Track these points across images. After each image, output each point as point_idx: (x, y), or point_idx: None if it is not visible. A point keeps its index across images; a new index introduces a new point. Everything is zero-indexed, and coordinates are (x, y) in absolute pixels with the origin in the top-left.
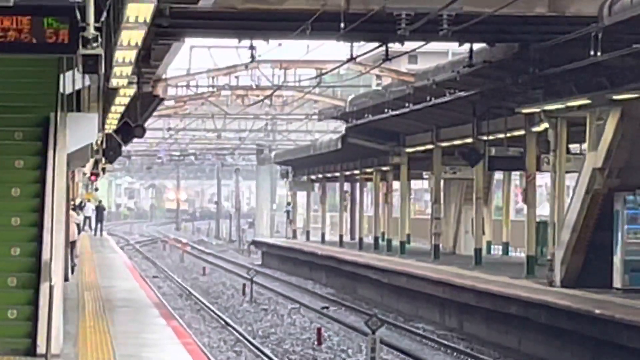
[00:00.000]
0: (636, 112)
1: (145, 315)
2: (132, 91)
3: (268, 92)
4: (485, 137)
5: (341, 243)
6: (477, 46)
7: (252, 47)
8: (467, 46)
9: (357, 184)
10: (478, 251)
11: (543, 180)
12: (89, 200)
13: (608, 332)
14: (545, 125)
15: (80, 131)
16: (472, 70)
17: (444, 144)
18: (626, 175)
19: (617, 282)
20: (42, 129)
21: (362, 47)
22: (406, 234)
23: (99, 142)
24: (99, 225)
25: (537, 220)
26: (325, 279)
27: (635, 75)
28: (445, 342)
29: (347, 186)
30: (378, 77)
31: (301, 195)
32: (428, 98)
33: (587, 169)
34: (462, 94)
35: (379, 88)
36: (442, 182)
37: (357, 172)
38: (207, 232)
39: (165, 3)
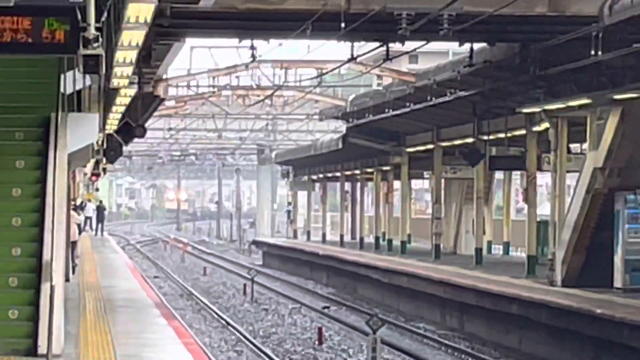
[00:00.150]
0: (637, 112)
1: (146, 315)
2: (132, 91)
3: (269, 92)
4: (485, 137)
5: (342, 243)
6: (477, 46)
7: (252, 47)
8: (467, 46)
9: (358, 184)
10: (479, 251)
11: (544, 179)
12: (89, 201)
13: (609, 331)
14: (545, 124)
15: (81, 131)
16: (472, 70)
17: (445, 144)
18: (627, 174)
19: (617, 282)
20: (42, 129)
21: (363, 47)
22: (407, 234)
23: (99, 142)
24: (99, 226)
25: (538, 220)
26: (326, 278)
27: (636, 75)
28: (446, 341)
29: (347, 186)
30: (379, 77)
31: (302, 195)
32: (429, 98)
33: (587, 169)
34: (463, 93)
35: (380, 88)
36: (442, 181)
37: (357, 171)
38: (208, 232)
39: (165, 3)
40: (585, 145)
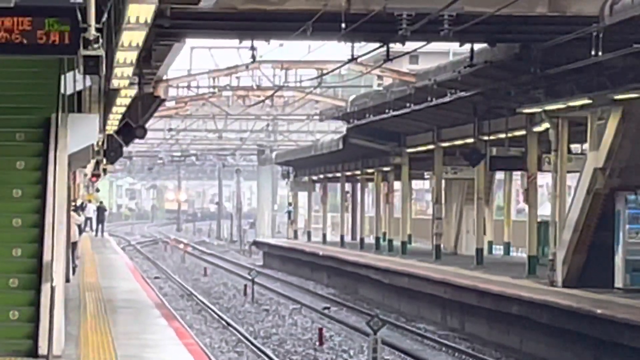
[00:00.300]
0: (637, 112)
1: (147, 316)
2: (133, 92)
3: (269, 93)
4: (486, 137)
5: (342, 243)
6: (478, 46)
7: (253, 48)
8: (468, 46)
9: (358, 184)
10: (479, 251)
11: (544, 180)
12: (90, 201)
13: (609, 332)
14: (546, 125)
15: (81, 132)
16: (473, 70)
17: (445, 144)
18: (627, 175)
19: (618, 282)
20: (43, 130)
21: (363, 48)
22: (407, 234)
23: (100, 143)
24: (100, 226)
25: (539, 220)
26: (327, 279)
27: (637, 75)
28: (447, 342)
29: (348, 186)
30: (379, 77)
31: (302, 196)
32: (429, 98)
33: (588, 169)
34: (463, 94)
35: (380, 88)
36: (443, 182)
37: (358, 172)
38: (208, 232)
39: (166, 4)
40: (586, 146)
